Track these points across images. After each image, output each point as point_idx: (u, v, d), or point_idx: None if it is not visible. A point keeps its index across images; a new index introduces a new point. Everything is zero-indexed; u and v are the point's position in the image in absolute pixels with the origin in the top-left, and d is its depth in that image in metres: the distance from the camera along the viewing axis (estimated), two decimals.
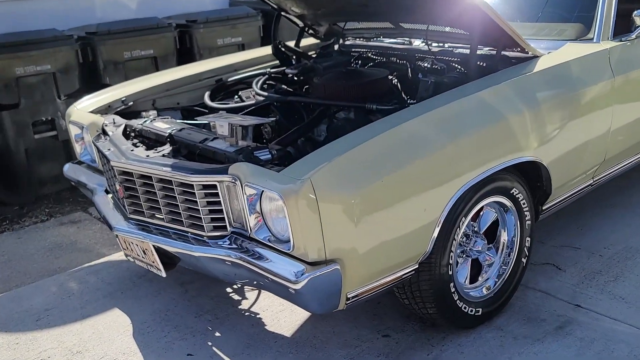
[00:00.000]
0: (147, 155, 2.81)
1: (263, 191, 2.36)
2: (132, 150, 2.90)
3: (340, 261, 2.31)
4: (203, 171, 2.54)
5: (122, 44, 5.29)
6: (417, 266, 2.59)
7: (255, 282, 2.60)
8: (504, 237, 3.00)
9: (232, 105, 3.69)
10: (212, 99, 3.86)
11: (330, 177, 2.28)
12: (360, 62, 3.98)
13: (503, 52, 3.22)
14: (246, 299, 3.38)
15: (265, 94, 3.57)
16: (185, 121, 3.36)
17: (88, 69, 5.22)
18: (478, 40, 3.10)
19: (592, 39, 3.38)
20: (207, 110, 3.83)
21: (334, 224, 2.27)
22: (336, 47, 4.39)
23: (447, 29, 3.42)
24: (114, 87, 3.88)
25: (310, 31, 4.30)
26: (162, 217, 2.79)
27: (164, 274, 2.87)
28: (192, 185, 2.55)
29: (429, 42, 3.80)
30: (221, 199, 2.54)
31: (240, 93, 3.91)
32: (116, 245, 4.22)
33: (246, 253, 2.45)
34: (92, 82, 5.21)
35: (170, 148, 2.90)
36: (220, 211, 2.58)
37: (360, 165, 2.36)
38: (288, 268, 2.29)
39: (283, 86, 3.98)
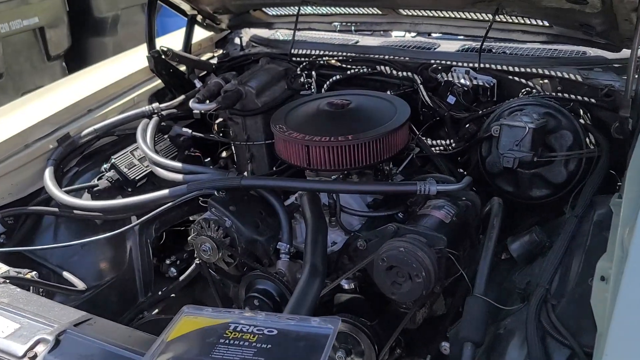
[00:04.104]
0: None
1: None
2: None
3: None
4: None
5: None
6: None
7: None
8: None
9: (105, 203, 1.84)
10: (59, 180, 1.96)
11: None
12: (312, 76, 2.31)
13: None
14: None
15: (188, 171, 1.81)
16: None
17: None
18: None
19: None
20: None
21: None
22: (238, 40, 2.64)
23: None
24: None
25: (208, 21, 2.47)
26: None
27: None
28: None
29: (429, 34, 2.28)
30: None
31: (113, 160, 2.04)
32: None
33: None
34: None
35: None
36: None
37: None
38: None
39: (187, 130, 2.21)
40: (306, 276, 1.49)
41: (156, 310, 2.05)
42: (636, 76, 1.75)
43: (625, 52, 1.87)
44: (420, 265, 1.46)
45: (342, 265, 1.73)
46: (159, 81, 2.35)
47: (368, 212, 1.79)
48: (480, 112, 2.01)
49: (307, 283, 1.47)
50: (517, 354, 1.31)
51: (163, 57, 2.28)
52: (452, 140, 2.07)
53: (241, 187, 1.73)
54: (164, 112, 2.20)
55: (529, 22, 1.95)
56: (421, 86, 2.11)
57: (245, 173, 2.22)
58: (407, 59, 2.17)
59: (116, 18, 4.42)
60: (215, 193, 1.76)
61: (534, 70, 1.96)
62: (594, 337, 1.19)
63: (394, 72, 2.18)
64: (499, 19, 1.92)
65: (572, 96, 1.88)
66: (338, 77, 2.28)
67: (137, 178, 2.06)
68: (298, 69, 2.32)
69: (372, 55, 2.23)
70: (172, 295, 2.10)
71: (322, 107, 1.91)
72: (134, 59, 2.44)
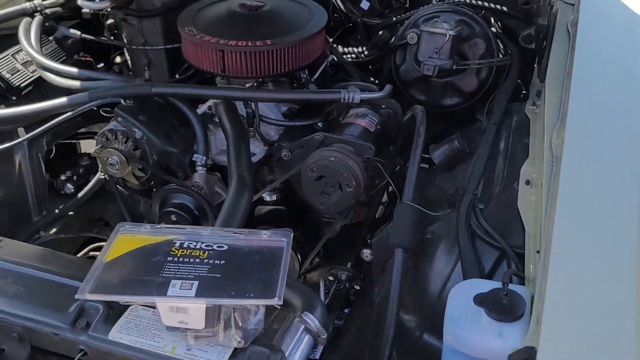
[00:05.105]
0: None
1: None
2: None
3: None
4: None
5: None
6: None
7: None
8: None
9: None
10: None
11: None
12: None
13: None
14: None
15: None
16: None
17: None
18: None
19: None
20: None
21: None
22: None
23: None
24: None
25: None
26: None
27: None
28: None
29: None
30: None
31: None
32: None
33: None
34: None
35: None
36: None
37: None
38: None
39: (75, 32, 2.00)
40: (235, 188, 1.42)
41: (54, 230, 1.89)
42: None
43: None
44: (351, 175, 1.44)
45: (261, 177, 1.68)
46: None
47: (288, 121, 1.73)
48: (394, 18, 1.97)
49: (236, 195, 1.40)
50: (446, 258, 1.34)
51: None
52: (364, 48, 2.03)
53: (152, 94, 1.59)
54: (47, 11, 1.94)
55: None
56: None
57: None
58: None
59: None
60: (122, 102, 1.61)
61: None
62: (522, 238, 1.25)
63: None
64: None
65: (485, 3, 1.89)
66: None
67: (22, 85, 1.83)
68: None
69: None
70: (70, 213, 1.94)
71: (233, 9, 1.77)
72: None
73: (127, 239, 1.01)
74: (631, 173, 1.12)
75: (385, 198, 1.93)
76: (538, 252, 1.13)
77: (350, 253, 1.73)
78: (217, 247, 0.99)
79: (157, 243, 1.00)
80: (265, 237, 1.03)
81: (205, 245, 0.99)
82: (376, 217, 1.88)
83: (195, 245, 0.99)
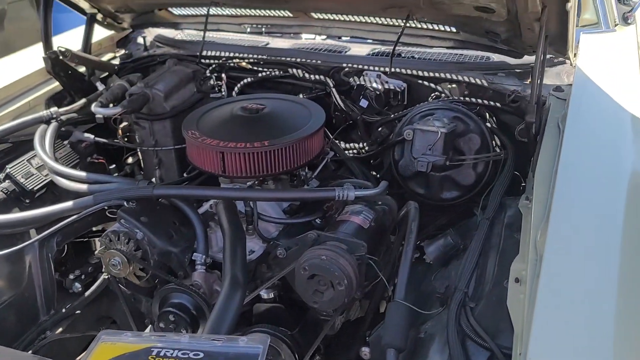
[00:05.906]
0: None
1: None
2: None
3: None
4: None
5: None
6: None
7: None
8: None
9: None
10: None
11: None
12: (222, 78, 2.26)
13: None
14: None
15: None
16: None
17: None
18: None
19: (597, 24, 2.26)
20: None
21: None
22: (141, 40, 2.52)
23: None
24: None
25: (109, 19, 2.35)
26: None
27: None
28: None
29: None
30: None
31: (8, 170, 1.90)
32: None
33: None
34: None
35: None
36: None
37: None
38: None
39: (89, 136, 2.09)
40: (227, 289, 1.44)
41: (60, 329, 1.92)
42: (538, 81, 1.83)
43: (527, 59, 1.96)
44: (342, 273, 1.45)
45: (260, 274, 1.70)
46: (57, 83, 2.21)
47: (285, 219, 1.77)
48: (392, 115, 2.03)
49: (228, 296, 1.42)
50: (438, 357, 1.33)
51: (61, 58, 2.14)
52: (365, 144, 2.09)
53: (153, 196, 1.65)
54: (63, 117, 2.06)
55: (437, 28, 2.00)
56: (334, 89, 2.12)
57: (154, 179, 2.13)
58: (319, 62, 2.17)
59: (2, 13, 4.12)
60: (125, 204, 1.68)
61: (442, 75, 2.01)
62: (511, 338, 1.23)
63: (306, 75, 2.17)
64: (409, 25, 1.95)
65: (479, 100, 1.95)
66: (249, 79, 2.24)
67: (35, 188, 1.91)
68: (207, 71, 2.26)
69: (283, 58, 2.20)
70: (77, 312, 1.98)
71: (235, 112, 1.86)
72: (26, 60, 2.27)
73: (107, 347, 1.03)
74: (609, 277, 1.12)
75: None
76: (520, 354, 1.11)
77: (350, 350, 1.71)
78: (194, 355, 1.00)
79: (136, 351, 1.02)
80: (242, 344, 1.04)
81: (182, 353, 1.01)
82: (380, 312, 1.87)
83: (172, 354, 1.01)
